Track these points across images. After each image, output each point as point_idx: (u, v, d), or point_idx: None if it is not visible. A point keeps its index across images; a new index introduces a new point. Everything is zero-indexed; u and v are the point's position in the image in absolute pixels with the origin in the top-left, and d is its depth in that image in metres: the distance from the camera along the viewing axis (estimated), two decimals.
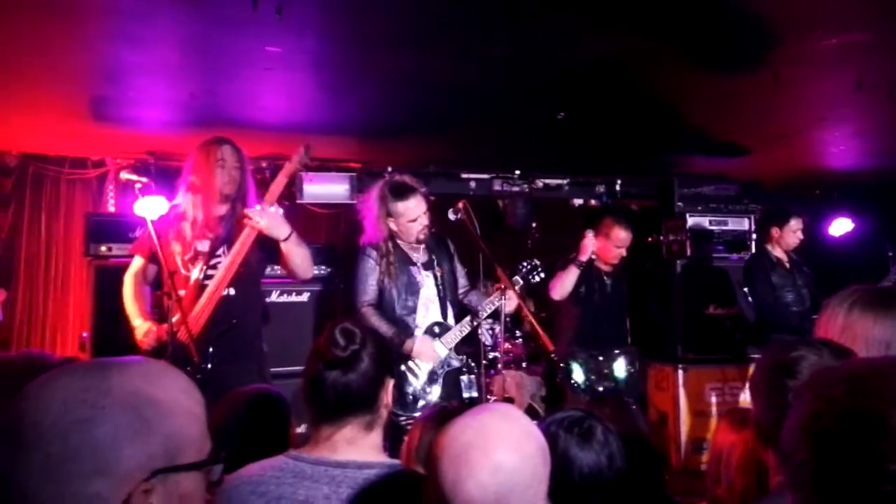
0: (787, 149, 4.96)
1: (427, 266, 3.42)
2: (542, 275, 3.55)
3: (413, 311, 3.35)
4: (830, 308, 1.52)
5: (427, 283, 3.40)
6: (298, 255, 2.95)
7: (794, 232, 4.43)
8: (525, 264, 3.53)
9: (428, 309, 3.40)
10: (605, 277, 4.30)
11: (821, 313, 1.56)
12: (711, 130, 4.53)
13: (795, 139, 4.70)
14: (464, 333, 3.41)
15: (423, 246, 3.41)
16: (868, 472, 0.69)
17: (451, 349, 3.37)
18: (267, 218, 2.83)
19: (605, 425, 1.54)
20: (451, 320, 3.43)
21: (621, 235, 4.22)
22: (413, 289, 3.36)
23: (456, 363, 3.41)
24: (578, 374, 4.22)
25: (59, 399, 0.79)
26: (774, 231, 4.45)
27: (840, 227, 5.77)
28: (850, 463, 0.71)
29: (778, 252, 4.48)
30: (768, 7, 2.69)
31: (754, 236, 5.54)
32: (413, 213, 3.30)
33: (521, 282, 3.48)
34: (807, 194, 6.17)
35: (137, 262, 3.06)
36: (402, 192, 3.30)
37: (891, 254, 5.08)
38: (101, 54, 3.15)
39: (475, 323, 3.41)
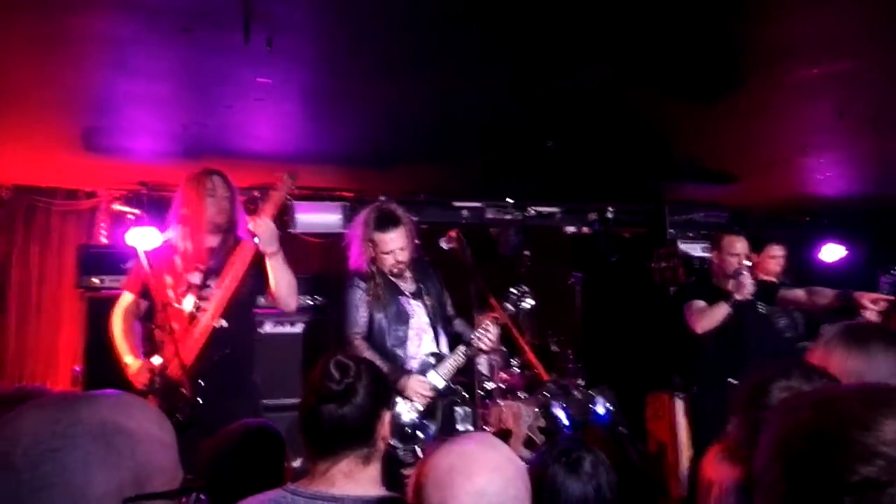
0: (775, 176, 5.01)
1: (416, 295, 3.39)
2: (532, 301, 3.51)
3: (404, 341, 3.31)
4: (815, 344, 1.63)
5: (418, 313, 3.37)
6: (283, 278, 2.94)
7: (771, 258, 4.40)
8: (514, 291, 3.48)
9: (421, 339, 3.37)
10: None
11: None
12: (700, 158, 4.58)
13: (782, 167, 4.75)
14: (459, 363, 3.36)
15: (409, 275, 3.39)
16: (831, 486, 0.73)
17: (448, 380, 3.34)
18: (264, 227, 2.84)
19: (595, 456, 1.55)
20: (444, 349, 3.39)
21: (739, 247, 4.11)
22: (403, 318, 3.32)
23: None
24: (560, 414, 4.21)
25: (30, 430, 0.81)
26: (753, 258, 4.45)
27: (831, 252, 5.81)
28: (816, 480, 0.75)
29: (765, 278, 4.47)
30: (755, 36, 2.75)
31: (748, 263, 5.57)
32: (388, 245, 3.26)
33: (512, 308, 3.44)
34: (797, 220, 6.22)
35: (127, 299, 3.04)
36: (384, 222, 3.28)
37: (879, 271, 5.11)
38: (95, 85, 3.16)
39: (469, 353, 3.37)
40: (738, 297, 3.91)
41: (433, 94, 3.36)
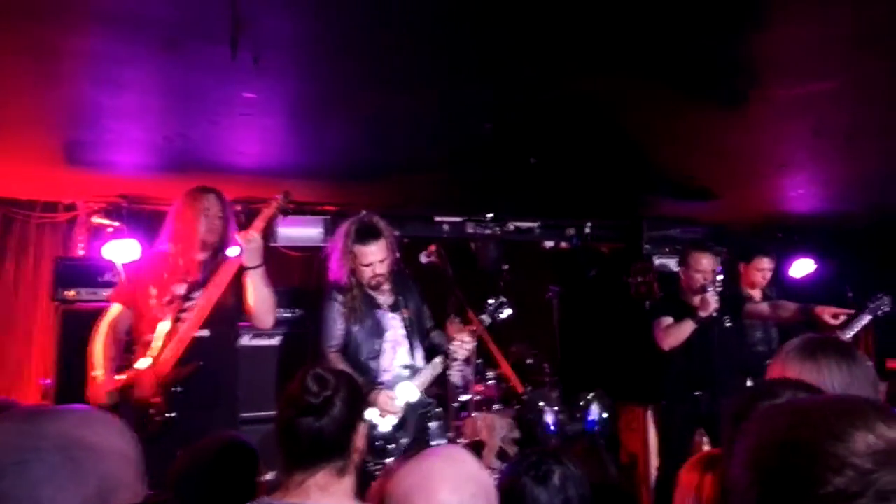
0: (751, 193, 5.10)
1: (394, 308, 3.41)
2: (509, 311, 3.54)
3: (378, 354, 3.33)
4: (774, 358, 1.67)
5: (394, 326, 3.39)
6: (260, 292, 2.97)
7: (758, 270, 4.44)
8: (491, 302, 3.52)
9: (396, 352, 3.39)
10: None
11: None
12: (678, 174, 4.65)
13: (759, 183, 4.84)
14: (435, 374, 3.38)
15: (388, 288, 3.41)
16: (802, 496, 0.74)
17: (422, 392, 3.36)
18: (252, 242, 2.86)
19: (567, 469, 1.57)
20: (419, 362, 3.41)
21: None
22: (378, 332, 3.34)
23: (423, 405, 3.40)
24: (549, 416, 4.24)
25: None
26: (741, 267, 4.49)
27: (801, 268, 5.92)
28: (788, 490, 0.76)
29: (751, 291, 4.50)
30: (737, 54, 2.80)
31: (720, 278, 5.65)
32: (367, 258, 3.28)
33: (489, 319, 3.47)
34: (770, 237, 6.33)
35: (116, 310, 3.02)
36: (364, 235, 3.30)
37: (850, 294, 5.22)
38: (77, 98, 3.16)
39: (446, 365, 3.39)
40: (702, 314, 3.97)
41: (415, 110, 3.39)
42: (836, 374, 1.50)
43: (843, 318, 4.04)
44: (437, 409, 3.76)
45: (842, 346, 1.59)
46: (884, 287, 4.63)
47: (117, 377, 2.84)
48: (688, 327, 4.02)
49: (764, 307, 4.23)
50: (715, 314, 4.01)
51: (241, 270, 2.95)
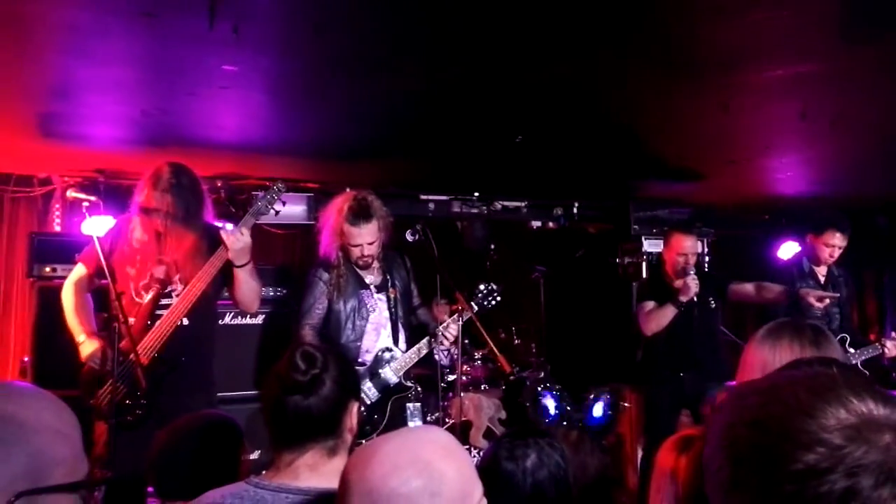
0: (737, 175, 5.10)
1: (380, 288, 3.38)
2: (499, 298, 3.47)
3: (360, 336, 3.29)
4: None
5: (379, 307, 3.36)
6: (248, 286, 2.94)
7: (826, 245, 4.13)
8: (482, 289, 3.44)
9: (379, 334, 3.36)
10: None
11: None
12: (665, 156, 4.63)
13: (744, 166, 4.83)
14: (417, 357, 3.36)
15: (377, 266, 3.35)
16: (773, 473, 0.73)
17: (400, 376, 3.32)
18: (240, 241, 2.79)
19: (542, 452, 1.60)
20: (402, 344, 3.38)
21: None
22: (363, 314, 3.31)
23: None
24: (551, 403, 4.23)
25: None
26: (809, 238, 4.24)
27: (787, 250, 5.94)
28: (758, 467, 0.75)
29: (815, 267, 4.26)
30: (722, 36, 2.77)
31: (707, 259, 5.67)
32: (356, 239, 3.25)
33: (477, 307, 3.41)
34: (757, 219, 6.35)
35: (81, 271, 2.97)
36: (356, 215, 3.26)
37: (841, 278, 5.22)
38: (51, 70, 3.05)
39: (432, 347, 3.36)
40: (682, 299, 3.96)
41: (399, 86, 3.32)
42: (787, 351, 1.50)
43: (827, 300, 4.04)
44: (417, 390, 3.72)
45: (802, 328, 1.59)
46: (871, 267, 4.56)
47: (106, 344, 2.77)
48: (669, 312, 4.01)
49: (749, 288, 4.20)
50: (696, 298, 3.99)
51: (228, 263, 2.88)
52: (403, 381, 3.36)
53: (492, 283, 3.48)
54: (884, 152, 4.43)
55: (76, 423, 0.90)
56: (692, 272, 3.98)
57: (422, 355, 3.37)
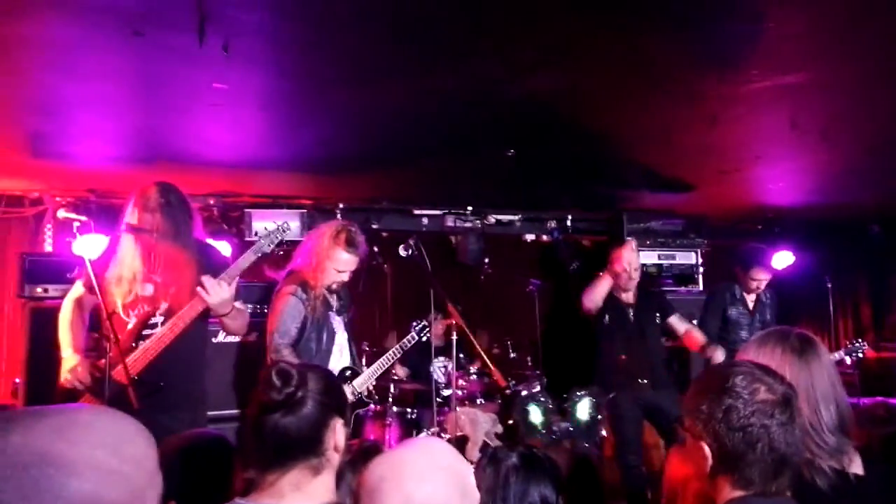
0: (729, 185, 5.12)
1: (339, 312, 3.54)
2: (430, 334, 3.86)
3: (328, 356, 3.43)
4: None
5: (339, 330, 3.52)
6: (233, 325, 2.99)
7: (753, 280, 4.57)
8: (415, 324, 3.84)
9: (343, 353, 3.52)
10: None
11: None
12: (657, 167, 4.64)
13: (735, 176, 4.84)
14: (382, 370, 3.62)
15: (335, 293, 3.51)
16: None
17: (360, 392, 3.49)
18: (218, 295, 2.75)
19: (520, 464, 1.68)
20: (357, 362, 3.62)
21: None
22: (330, 334, 3.45)
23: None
24: (536, 415, 4.24)
25: None
26: (738, 273, 4.63)
27: (781, 260, 5.95)
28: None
29: (745, 295, 4.62)
30: (709, 46, 2.78)
31: (701, 269, 5.67)
32: (344, 266, 3.39)
33: (415, 338, 3.74)
34: (750, 229, 6.36)
35: (79, 290, 2.94)
36: (350, 245, 3.38)
37: (829, 285, 5.25)
38: (42, 88, 3.05)
39: (389, 360, 3.66)
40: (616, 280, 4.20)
41: (391, 101, 3.33)
42: (790, 363, 1.58)
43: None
44: (374, 396, 3.94)
45: (799, 337, 1.65)
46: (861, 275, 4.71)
47: (89, 360, 2.75)
48: (604, 283, 4.19)
49: (680, 329, 4.38)
50: (640, 305, 4.22)
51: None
52: (364, 396, 3.54)
53: (424, 320, 3.83)
54: (875, 161, 4.45)
55: (144, 456, 0.82)
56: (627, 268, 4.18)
57: (382, 370, 3.62)
